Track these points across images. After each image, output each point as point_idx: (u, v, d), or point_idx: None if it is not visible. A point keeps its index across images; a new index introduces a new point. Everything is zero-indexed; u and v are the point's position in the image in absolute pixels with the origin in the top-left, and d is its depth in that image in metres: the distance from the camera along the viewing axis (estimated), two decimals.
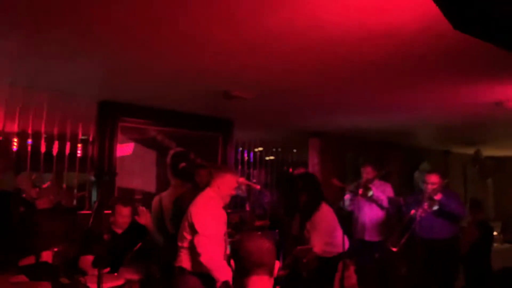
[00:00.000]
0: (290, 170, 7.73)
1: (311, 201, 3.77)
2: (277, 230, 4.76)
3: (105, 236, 2.60)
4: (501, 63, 2.78)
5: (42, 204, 3.57)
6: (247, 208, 4.75)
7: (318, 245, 3.61)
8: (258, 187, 3.38)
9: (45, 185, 4.15)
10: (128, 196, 4.31)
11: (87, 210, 4.36)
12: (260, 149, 7.68)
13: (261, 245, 1.77)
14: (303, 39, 2.47)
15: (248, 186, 3.19)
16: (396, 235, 4.16)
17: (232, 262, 1.83)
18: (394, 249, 3.98)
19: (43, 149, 4.49)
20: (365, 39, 2.44)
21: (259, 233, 1.84)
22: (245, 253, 1.76)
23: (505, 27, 1.22)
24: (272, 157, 8.10)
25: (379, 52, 2.68)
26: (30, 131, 4.39)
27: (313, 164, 6.49)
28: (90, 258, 3.19)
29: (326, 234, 3.69)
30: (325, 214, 3.76)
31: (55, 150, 4.59)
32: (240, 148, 7.04)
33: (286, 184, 3.75)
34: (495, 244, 6.77)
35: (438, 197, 4.32)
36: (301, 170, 5.23)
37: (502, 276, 6.66)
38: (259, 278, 1.72)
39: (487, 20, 1.24)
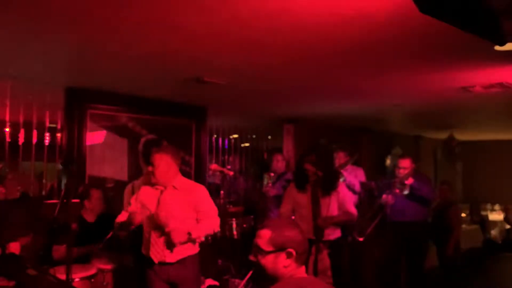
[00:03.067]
0: (265, 156, 7.76)
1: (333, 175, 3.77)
2: (252, 216, 4.78)
3: (73, 226, 2.54)
4: (468, 48, 2.83)
5: (11, 194, 3.47)
6: (222, 195, 4.74)
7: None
8: (231, 173, 3.36)
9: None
10: (100, 184, 4.23)
11: (56, 199, 4.27)
12: (235, 136, 7.67)
13: None
14: (272, 23, 2.44)
15: (220, 172, 3.15)
16: (363, 225, 4.24)
17: None
18: (361, 239, 4.07)
19: (8, 138, 4.34)
20: (334, 24, 2.43)
21: None
22: None
23: (469, 10, 1.23)
24: (247, 144, 8.10)
25: (349, 38, 2.68)
26: None
27: (288, 150, 6.54)
28: (63, 247, 3.13)
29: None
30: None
31: (21, 139, 4.44)
32: (215, 135, 7.01)
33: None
34: (463, 225, 7.03)
35: (409, 181, 4.42)
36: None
37: (471, 255, 6.95)
38: None
39: (452, 3, 1.25)
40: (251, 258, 1.80)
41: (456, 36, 2.57)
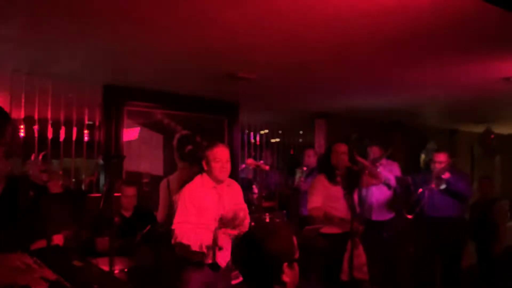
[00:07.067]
0: (292, 151, 7.76)
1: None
2: (284, 211, 4.78)
3: (116, 219, 2.61)
4: (510, 37, 2.73)
5: (54, 187, 3.59)
6: (255, 189, 4.75)
7: None
8: (267, 168, 3.34)
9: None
10: (136, 179, 4.34)
11: (96, 193, 4.41)
12: (266, 131, 7.68)
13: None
14: (309, 16, 2.44)
15: (257, 167, 3.15)
16: (411, 204, 4.18)
17: None
18: (410, 217, 3.99)
19: (50, 135, 4.51)
20: (372, 15, 2.40)
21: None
22: None
23: None
24: (277, 139, 8.10)
25: (387, 29, 2.64)
26: (36, 117, 4.40)
27: (320, 145, 6.48)
28: (106, 239, 3.20)
29: None
30: None
31: (61, 135, 4.61)
32: (247, 131, 7.05)
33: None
34: None
35: (446, 176, 4.30)
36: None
37: (510, 252, 6.70)
38: None
39: None
40: None
41: (499, 25, 2.49)
